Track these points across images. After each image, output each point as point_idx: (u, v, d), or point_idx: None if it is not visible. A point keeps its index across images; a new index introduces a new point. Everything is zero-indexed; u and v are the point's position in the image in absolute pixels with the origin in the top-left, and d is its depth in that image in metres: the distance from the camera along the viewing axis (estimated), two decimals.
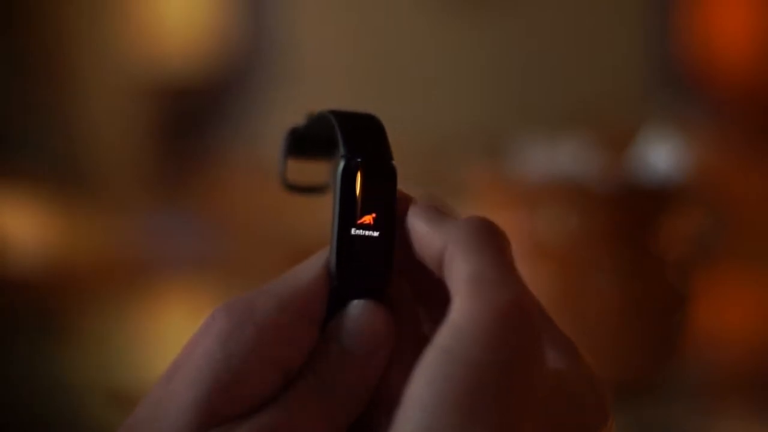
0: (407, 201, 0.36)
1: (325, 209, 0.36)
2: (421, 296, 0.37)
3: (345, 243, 0.35)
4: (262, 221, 1.92)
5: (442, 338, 0.31)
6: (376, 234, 0.35)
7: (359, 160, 0.36)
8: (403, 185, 0.36)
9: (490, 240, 0.33)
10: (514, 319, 0.31)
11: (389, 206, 0.36)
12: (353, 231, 0.35)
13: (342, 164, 0.36)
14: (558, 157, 0.92)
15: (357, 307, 0.35)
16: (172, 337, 1.19)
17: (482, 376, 0.30)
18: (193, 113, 2.89)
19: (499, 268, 0.32)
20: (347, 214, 0.35)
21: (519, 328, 0.31)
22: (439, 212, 0.35)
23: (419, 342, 0.35)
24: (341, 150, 0.36)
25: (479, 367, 0.30)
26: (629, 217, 0.87)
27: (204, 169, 2.43)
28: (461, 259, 0.33)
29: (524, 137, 0.98)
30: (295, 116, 0.43)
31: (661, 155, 0.91)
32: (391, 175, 0.36)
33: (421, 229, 0.35)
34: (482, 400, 0.29)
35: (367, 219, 0.35)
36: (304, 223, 1.51)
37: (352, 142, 0.36)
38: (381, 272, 0.35)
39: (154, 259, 1.74)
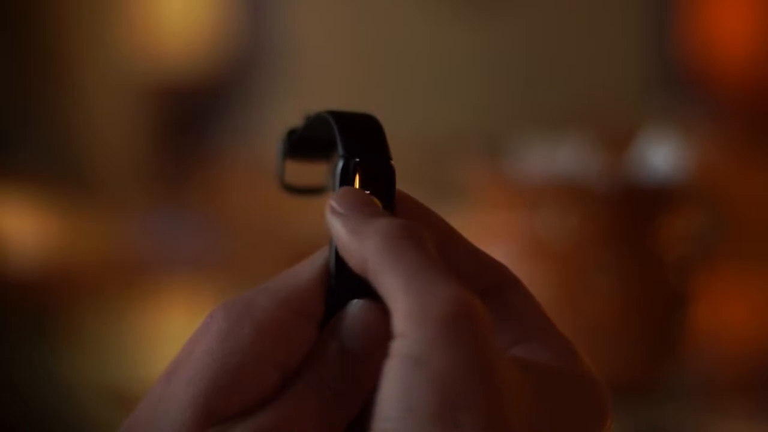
0: (406, 201, 0.36)
1: (324, 208, 0.36)
2: None
3: None
4: (261, 221, 1.92)
5: (398, 347, 0.31)
6: None
7: (357, 160, 0.36)
8: (403, 185, 0.36)
9: (411, 243, 0.33)
10: (457, 320, 0.31)
11: (388, 205, 0.36)
12: None
13: (340, 164, 0.36)
14: (558, 157, 0.92)
15: (356, 306, 0.35)
16: (172, 337, 1.19)
17: (447, 378, 0.30)
18: (193, 113, 2.89)
19: (428, 270, 0.32)
20: None
21: (463, 327, 0.31)
22: (360, 211, 0.34)
23: None
24: (339, 150, 0.36)
25: (441, 370, 0.30)
26: (629, 217, 0.87)
27: (204, 169, 2.43)
28: (389, 269, 0.32)
29: (524, 137, 0.98)
30: (295, 116, 0.43)
31: (661, 155, 0.91)
32: (389, 174, 0.36)
33: (342, 238, 0.34)
34: (456, 402, 0.29)
35: None
36: (304, 222, 1.51)
37: (351, 142, 0.36)
38: None
39: (154, 259, 1.74)
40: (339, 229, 0.34)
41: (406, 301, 0.31)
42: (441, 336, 0.30)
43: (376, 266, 0.33)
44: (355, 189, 0.35)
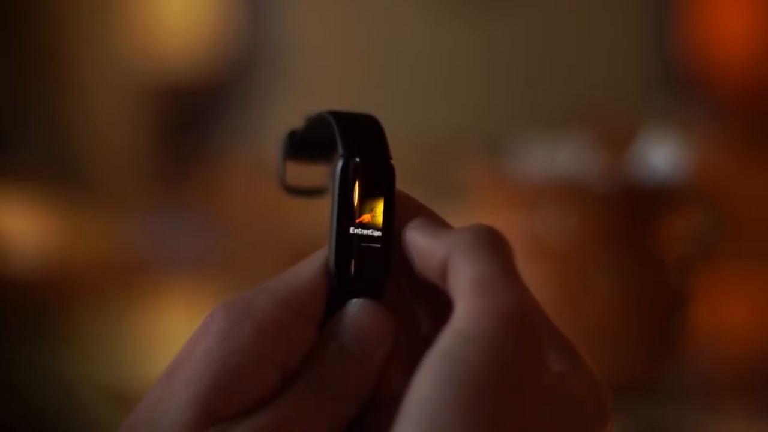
0: (406, 201, 0.36)
1: (324, 208, 0.37)
2: (419, 295, 0.37)
3: (343, 242, 0.35)
4: (261, 220, 1.92)
5: (445, 341, 0.31)
6: (374, 233, 0.35)
7: (358, 159, 0.36)
8: (403, 185, 0.36)
9: (494, 246, 0.33)
10: (516, 323, 0.31)
11: (388, 205, 0.36)
12: (352, 230, 0.35)
13: (340, 164, 0.36)
14: (558, 157, 0.92)
15: (356, 306, 0.35)
16: (172, 337, 1.19)
17: (484, 380, 0.30)
18: (193, 113, 2.89)
19: (502, 272, 0.32)
20: (346, 214, 0.35)
21: (522, 333, 0.31)
22: (439, 223, 0.35)
23: (418, 341, 0.35)
24: (340, 150, 0.36)
25: (482, 371, 0.30)
26: (629, 217, 0.87)
27: (204, 169, 2.43)
28: (465, 264, 0.32)
29: (524, 137, 0.98)
30: (295, 116, 0.43)
31: (661, 155, 0.91)
32: (389, 174, 0.36)
33: (422, 242, 0.34)
34: (485, 403, 0.29)
35: (366, 218, 0.36)
36: (304, 222, 1.51)
37: (351, 141, 0.36)
38: (380, 271, 0.35)
39: (154, 259, 1.74)
40: (420, 235, 0.35)
41: (472, 295, 0.31)
42: (492, 337, 0.30)
43: (457, 260, 0.33)
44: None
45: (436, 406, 0.29)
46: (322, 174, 0.42)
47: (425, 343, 0.33)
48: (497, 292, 0.31)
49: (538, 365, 0.31)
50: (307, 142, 0.41)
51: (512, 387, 0.30)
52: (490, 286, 0.31)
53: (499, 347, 0.30)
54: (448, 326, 0.31)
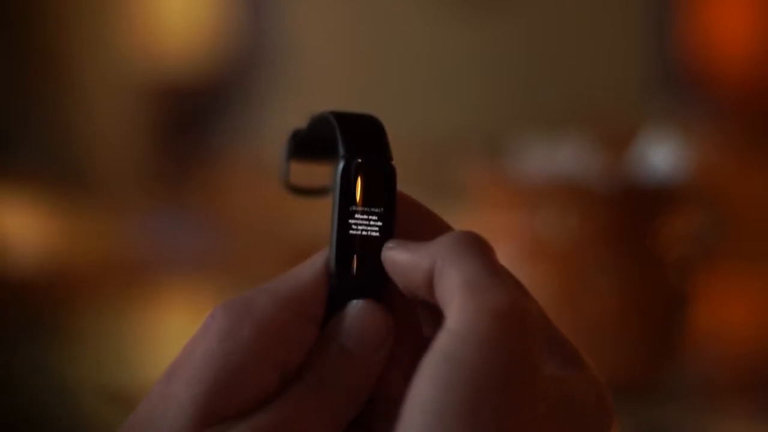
0: (406, 201, 0.36)
1: (325, 209, 0.37)
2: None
3: (344, 243, 0.35)
4: (261, 221, 1.92)
5: (442, 343, 0.31)
6: (375, 234, 0.35)
7: (359, 160, 0.36)
8: (403, 185, 0.36)
9: (477, 248, 0.33)
10: (511, 321, 0.31)
11: (388, 206, 0.36)
12: (352, 231, 0.35)
13: (341, 164, 0.36)
14: (558, 157, 0.92)
15: (356, 306, 0.35)
16: (172, 337, 1.19)
17: (483, 379, 0.30)
18: (193, 113, 2.89)
19: (490, 273, 0.32)
20: (346, 215, 0.35)
21: (516, 330, 0.31)
22: (413, 242, 0.35)
23: (418, 342, 0.35)
24: (341, 150, 0.36)
25: (480, 370, 0.30)
26: (629, 217, 0.87)
27: (204, 169, 2.43)
28: (451, 270, 0.32)
29: (524, 137, 0.98)
30: (295, 115, 0.43)
31: (661, 155, 0.91)
32: (390, 174, 0.36)
33: (403, 258, 0.34)
34: (484, 404, 0.29)
35: (366, 219, 0.36)
36: (305, 222, 1.51)
37: (352, 142, 0.36)
38: (380, 272, 0.35)
39: (154, 259, 1.74)
40: (399, 253, 0.35)
41: (463, 297, 0.31)
42: (488, 337, 0.30)
43: (443, 267, 0.33)
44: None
45: (437, 409, 0.29)
46: (326, 174, 0.42)
47: (425, 343, 0.33)
48: (488, 291, 0.31)
49: (536, 361, 0.31)
50: (311, 142, 0.41)
51: (511, 384, 0.30)
52: (480, 287, 0.32)
53: (495, 345, 0.30)
54: (442, 329, 0.31)
